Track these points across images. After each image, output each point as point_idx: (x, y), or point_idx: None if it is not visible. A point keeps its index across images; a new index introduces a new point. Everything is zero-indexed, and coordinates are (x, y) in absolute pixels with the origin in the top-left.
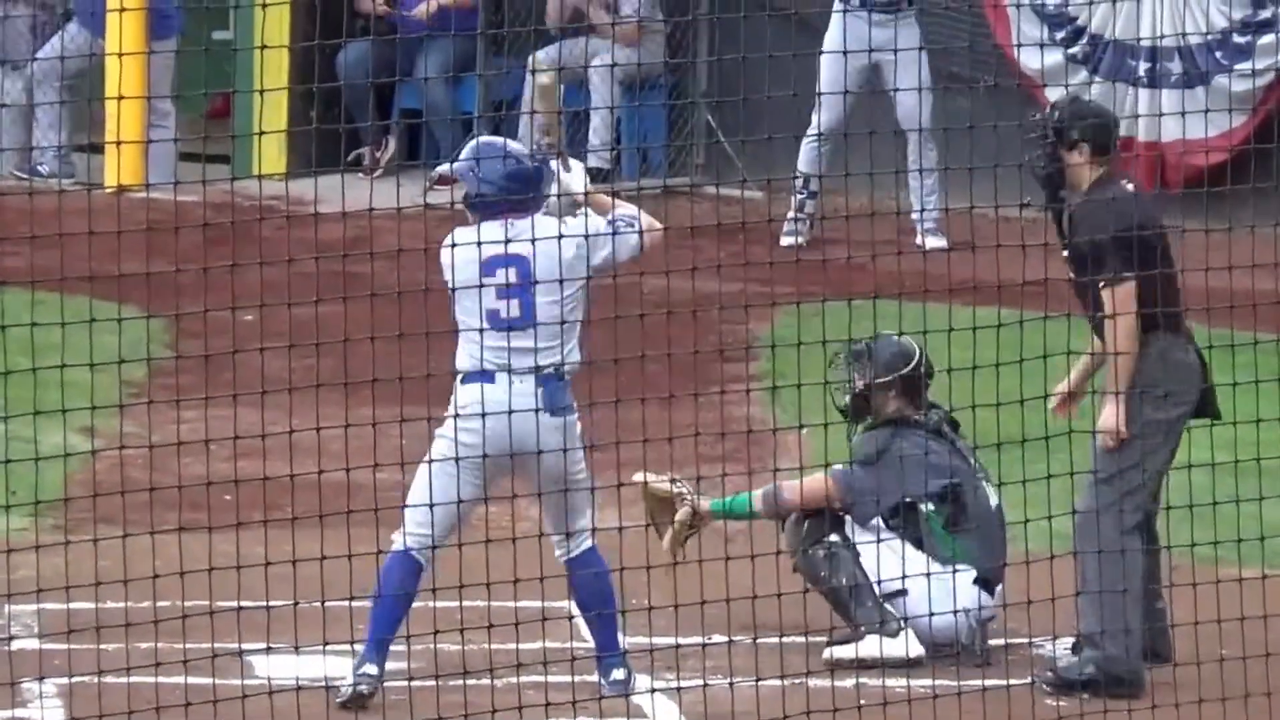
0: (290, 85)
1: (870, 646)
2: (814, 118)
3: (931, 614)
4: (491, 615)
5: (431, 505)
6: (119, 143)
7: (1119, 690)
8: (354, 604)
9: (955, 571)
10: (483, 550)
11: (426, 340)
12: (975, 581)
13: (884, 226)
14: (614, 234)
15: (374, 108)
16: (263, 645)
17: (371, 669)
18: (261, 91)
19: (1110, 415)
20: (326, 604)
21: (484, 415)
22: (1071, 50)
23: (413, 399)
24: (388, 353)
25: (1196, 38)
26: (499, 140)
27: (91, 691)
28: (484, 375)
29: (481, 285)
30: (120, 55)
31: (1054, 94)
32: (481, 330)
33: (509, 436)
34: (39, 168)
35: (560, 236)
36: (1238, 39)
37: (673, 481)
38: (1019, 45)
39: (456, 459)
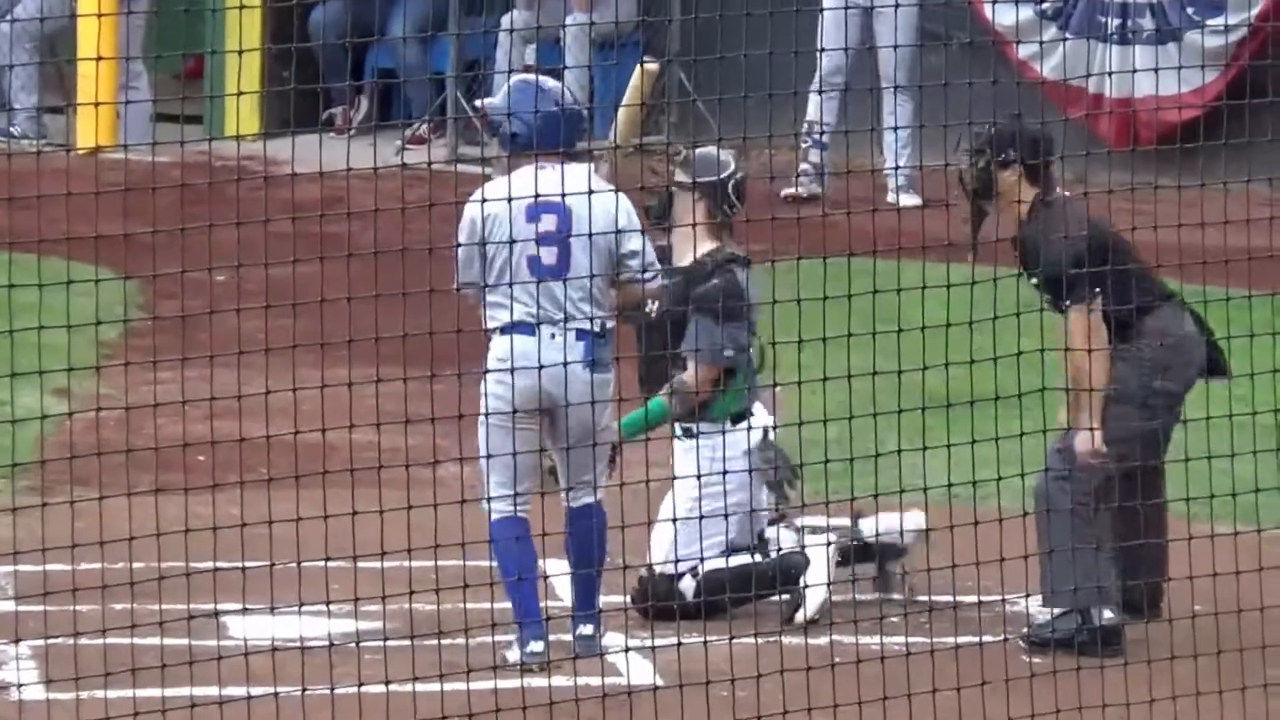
0: (263, 45)
1: (816, 595)
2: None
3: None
4: (467, 575)
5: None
6: (95, 104)
7: (1096, 648)
8: (330, 564)
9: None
10: (458, 510)
11: (404, 301)
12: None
13: (858, 183)
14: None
15: (347, 67)
16: (239, 606)
17: (537, 645)
18: (240, 52)
19: (1085, 439)
20: (302, 565)
21: (511, 370)
22: (1042, 6)
23: (388, 359)
24: (364, 313)
25: None
26: (534, 79)
27: (67, 653)
28: (527, 328)
29: (510, 243)
30: (99, 16)
31: (1026, 50)
32: (512, 285)
33: (546, 388)
34: (10, 129)
35: (590, 192)
36: None
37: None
38: (991, 2)
39: (512, 412)
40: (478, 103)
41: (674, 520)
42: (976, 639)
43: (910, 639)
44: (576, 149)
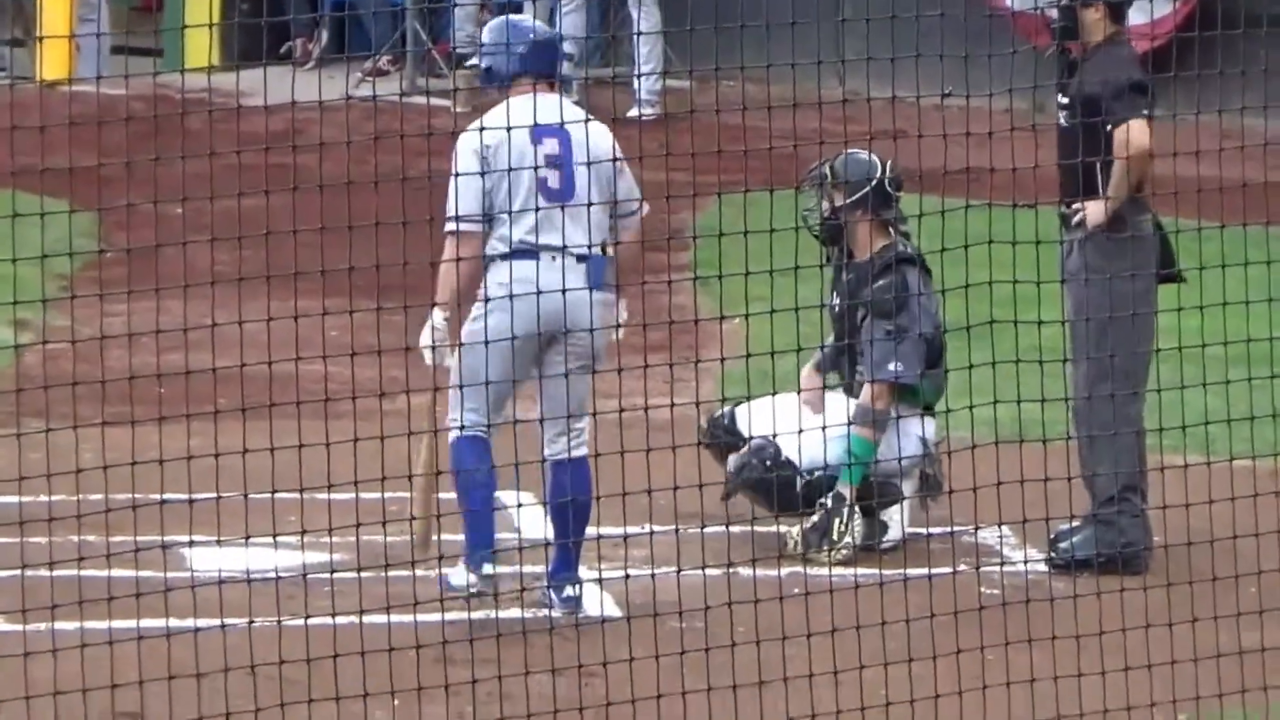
0: None
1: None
2: None
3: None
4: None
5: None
6: (45, 38)
7: (1117, 569)
8: (276, 496)
9: (901, 418)
10: (405, 443)
11: (350, 234)
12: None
13: (807, 116)
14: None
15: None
16: (186, 538)
17: (488, 568)
18: None
19: (1097, 207)
20: (250, 497)
21: (509, 297)
22: None
23: (337, 292)
24: (318, 245)
25: None
26: (514, 18)
27: (15, 585)
28: (528, 254)
29: (505, 173)
30: None
31: None
32: (517, 212)
33: (556, 312)
34: None
35: (587, 120)
36: None
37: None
38: None
39: (511, 338)
40: (470, 62)
41: (824, 428)
42: (949, 569)
43: (884, 570)
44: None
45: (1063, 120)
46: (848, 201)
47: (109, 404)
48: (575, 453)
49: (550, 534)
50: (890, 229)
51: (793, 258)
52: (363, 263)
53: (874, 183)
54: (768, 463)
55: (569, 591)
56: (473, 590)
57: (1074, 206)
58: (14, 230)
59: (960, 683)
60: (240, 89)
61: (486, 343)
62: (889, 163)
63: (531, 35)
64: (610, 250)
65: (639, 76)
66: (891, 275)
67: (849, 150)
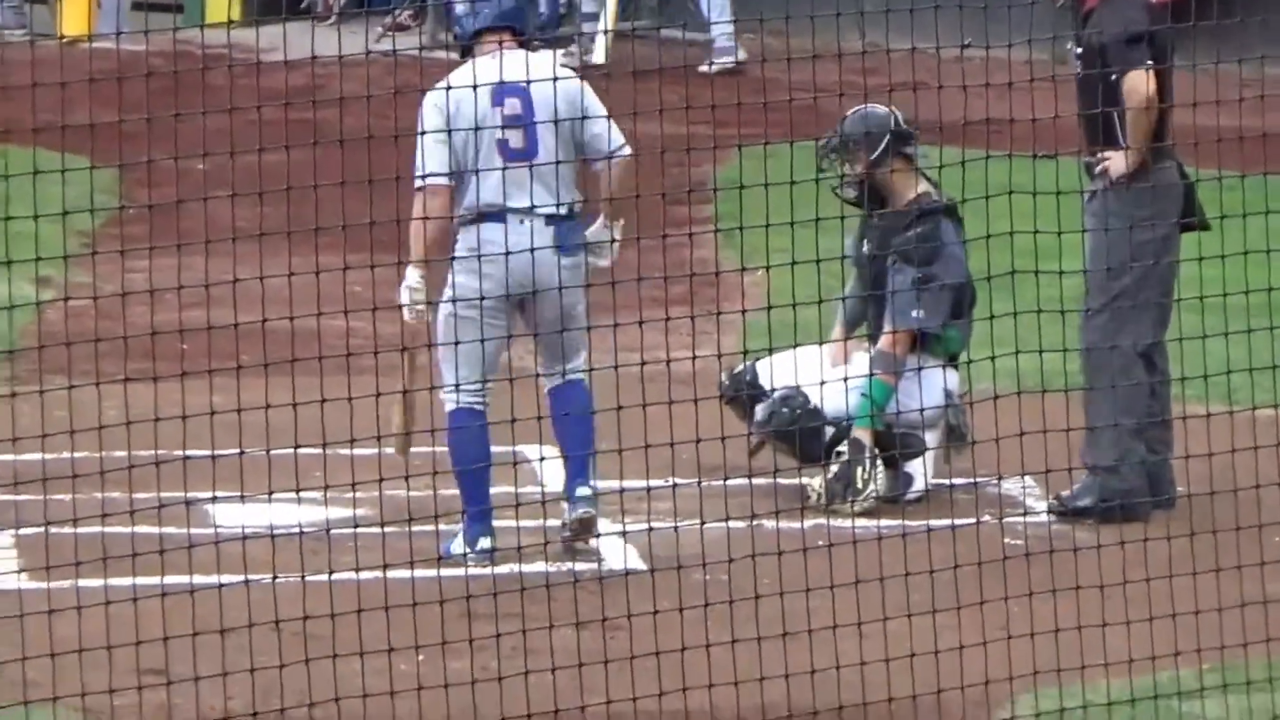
0: None
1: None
2: None
3: (923, 409)
4: (437, 462)
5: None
6: None
7: (1118, 517)
8: (299, 452)
9: (920, 368)
10: (428, 397)
11: (369, 188)
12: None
13: (827, 67)
14: (609, 119)
15: None
16: (210, 494)
17: (485, 542)
18: None
19: (1120, 158)
20: (273, 452)
21: (477, 258)
22: None
23: (359, 247)
24: (340, 199)
25: None
26: None
27: (39, 543)
28: (495, 216)
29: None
30: None
31: None
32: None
33: (524, 274)
34: None
35: (555, 79)
36: None
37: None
38: None
39: (481, 300)
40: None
41: (845, 380)
42: (972, 520)
43: (906, 522)
44: (531, 36)
45: (1077, 69)
46: (873, 157)
47: (131, 360)
48: (569, 378)
49: (562, 463)
50: (924, 177)
51: (813, 209)
52: (384, 217)
53: (892, 131)
54: (797, 411)
55: (580, 491)
56: (469, 561)
57: (1099, 156)
58: (35, 187)
59: (984, 633)
60: (260, 44)
61: (454, 300)
62: (890, 107)
63: None
64: (578, 207)
65: (711, 25)
66: (925, 224)
67: (851, 112)
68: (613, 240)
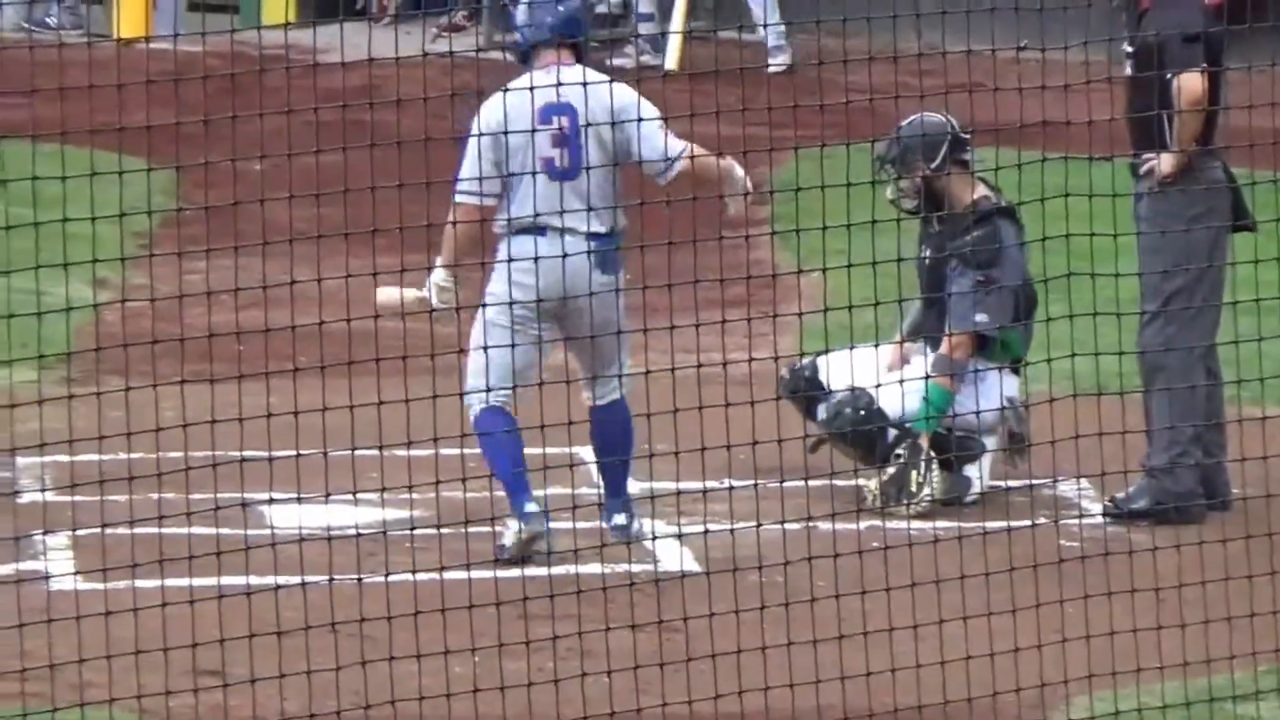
0: None
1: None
2: None
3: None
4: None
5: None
6: None
7: (1174, 520)
8: (356, 453)
9: (978, 371)
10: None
11: (427, 190)
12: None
13: (882, 69)
14: (666, 132)
15: None
16: (265, 496)
17: (532, 506)
18: None
19: (1169, 158)
20: (329, 454)
21: (508, 264)
22: None
23: (413, 248)
24: (406, 201)
25: None
26: None
27: (96, 544)
28: (535, 230)
29: (534, 131)
30: None
31: None
32: (530, 182)
33: (558, 285)
34: (47, 20)
35: (611, 80)
36: None
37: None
38: None
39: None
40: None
41: (901, 381)
42: (1028, 522)
43: (962, 524)
44: (586, 48)
45: (1129, 70)
46: (932, 166)
47: (188, 362)
48: (600, 401)
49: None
50: (982, 182)
51: (870, 211)
52: (441, 219)
53: (950, 137)
54: (861, 411)
55: (617, 520)
56: (524, 536)
57: (1144, 157)
58: (93, 188)
59: (1040, 636)
60: (317, 45)
61: (484, 305)
62: (943, 111)
63: (559, 7)
64: (621, 224)
65: (764, 27)
66: (984, 227)
67: (906, 122)
68: (746, 192)
